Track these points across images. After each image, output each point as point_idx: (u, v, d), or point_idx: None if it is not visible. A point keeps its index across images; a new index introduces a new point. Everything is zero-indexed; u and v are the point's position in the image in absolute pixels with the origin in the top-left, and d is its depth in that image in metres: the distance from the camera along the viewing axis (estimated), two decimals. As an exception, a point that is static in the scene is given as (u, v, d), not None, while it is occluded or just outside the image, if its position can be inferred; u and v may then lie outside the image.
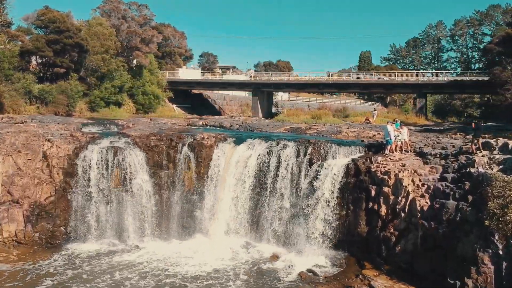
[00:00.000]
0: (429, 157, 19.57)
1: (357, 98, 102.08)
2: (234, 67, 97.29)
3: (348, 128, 29.23)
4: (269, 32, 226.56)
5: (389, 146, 20.21)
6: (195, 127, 32.07)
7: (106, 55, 45.75)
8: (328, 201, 19.71)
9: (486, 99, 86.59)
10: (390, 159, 19.76)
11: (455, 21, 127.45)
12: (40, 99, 40.21)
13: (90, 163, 21.40)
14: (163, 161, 22.61)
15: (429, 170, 18.38)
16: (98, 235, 21.22)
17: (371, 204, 18.82)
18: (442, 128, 33.50)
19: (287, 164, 21.03)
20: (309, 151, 20.99)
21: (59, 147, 21.45)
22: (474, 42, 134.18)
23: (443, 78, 48.47)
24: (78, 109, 44.14)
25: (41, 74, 44.43)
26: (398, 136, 20.42)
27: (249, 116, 58.34)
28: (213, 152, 22.58)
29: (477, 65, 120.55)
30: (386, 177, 18.44)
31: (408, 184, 17.86)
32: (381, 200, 18.49)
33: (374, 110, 42.19)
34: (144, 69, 54.39)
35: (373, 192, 18.80)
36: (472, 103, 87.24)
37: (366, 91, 63.44)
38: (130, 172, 21.75)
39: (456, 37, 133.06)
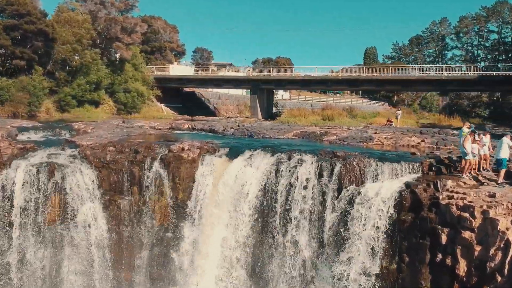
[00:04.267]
0: (525, 180, 12.76)
1: (362, 98, 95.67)
2: (230, 64, 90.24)
3: (376, 133, 22.35)
4: (268, 26, 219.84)
5: (467, 163, 13.25)
6: (179, 131, 25.20)
7: (78, 45, 38.70)
8: (370, 248, 12.86)
9: (495, 98, 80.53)
10: (464, 183, 12.91)
11: (460, 17, 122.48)
12: (-6, 97, 33.26)
13: (12, 187, 14.44)
14: (124, 183, 15.70)
15: (535, 204, 11.53)
16: (23, 295, 14.29)
17: (440, 256, 11.96)
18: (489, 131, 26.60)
19: (305, 189, 14.16)
20: (337, 169, 14.13)
21: (-34, 164, 14.50)
22: (480, 39, 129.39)
23: (471, 73, 41.79)
24: (44, 109, 37.10)
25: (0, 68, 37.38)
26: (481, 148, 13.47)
27: (246, 117, 51.58)
28: (197, 170, 15.71)
29: (482, 63, 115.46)
30: (466, 214, 11.57)
31: (507, 229, 11.02)
32: (458, 252, 11.62)
33: (398, 110, 35.40)
34: (127, 64, 47.40)
35: (443, 238, 11.93)
36: (480, 102, 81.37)
37: (379, 89, 56.60)
38: (74, 200, 14.82)
39: (461, 35, 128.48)
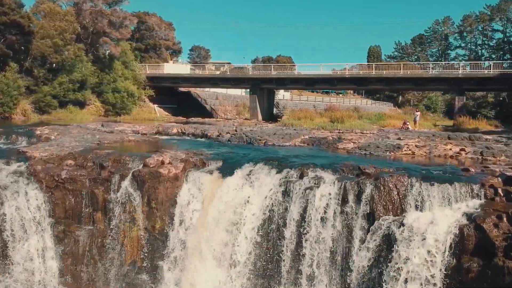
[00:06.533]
0: None
1: (366, 98, 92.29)
2: (229, 63, 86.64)
3: (400, 139, 18.72)
4: (268, 24, 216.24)
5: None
6: (166, 136, 21.52)
7: (59, 40, 34.97)
8: (418, 307, 9.16)
9: (501, 98, 77.34)
10: (551, 216, 9.19)
11: (464, 16, 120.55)
12: (-39, 97, 29.57)
13: None
14: (84, 208, 12.00)
15: None
16: None
17: (524, 324, 8.28)
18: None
19: (323, 219, 10.48)
20: (366, 192, 10.43)
21: None
22: (484, 39, 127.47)
23: (491, 70, 38.22)
24: (19, 110, 33.43)
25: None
26: None
27: (246, 119, 48.04)
28: (180, 191, 12.01)
29: (486, 63, 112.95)
30: None
31: None
32: (555, 320, 7.96)
33: (416, 111, 31.78)
34: (116, 61, 43.80)
35: (530, 298, 8.26)
36: (485, 103, 78.64)
37: (389, 88, 52.93)
38: (14, 233, 11.11)
39: (465, 34, 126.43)
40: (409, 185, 10.39)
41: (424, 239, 9.35)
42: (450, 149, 15.90)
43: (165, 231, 11.87)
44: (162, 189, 11.97)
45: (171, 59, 70.32)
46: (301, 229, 10.52)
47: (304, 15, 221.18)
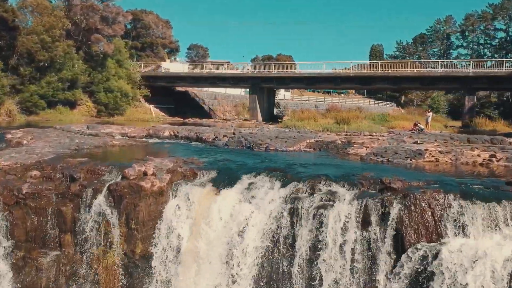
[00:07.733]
0: None
1: (368, 98, 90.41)
2: (228, 62, 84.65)
3: (417, 143, 16.72)
4: (267, 22, 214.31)
5: None
6: (156, 139, 19.52)
7: (47, 36, 32.93)
8: None
9: (504, 98, 75.63)
10: None
11: (466, 15, 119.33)
12: None
13: None
14: (49, 230, 9.98)
15: None
16: None
17: None
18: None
19: (341, 247, 8.48)
20: (393, 213, 8.43)
21: None
22: (486, 38, 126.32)
23: (503, 69, 36.25)
24: (4, 111, 31.47)
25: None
26: None
27: (245, 119, 46.07)
28: (166, 208, 10.00)
29: (488, 63, 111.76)
30: None
31: None
32: None
33: (428, 112, 29.79)
34: (109, 59, 41.81)
35: None
36: (489, 103, 77.22)
37: (395, 87, 50.94)
38: (-39, 262, 9.12)
39: (467, 33, 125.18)
40: (445, 203, 8.39)
41: (472, 275, 7.34)
42: (479, 155, 13.91)
43: (147, 256, 9.87)
44: (143, 206, 9.95)
45: (168, 58, 68.44)
46: (314, 260, 8.52)
47: (305, 13, 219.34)
